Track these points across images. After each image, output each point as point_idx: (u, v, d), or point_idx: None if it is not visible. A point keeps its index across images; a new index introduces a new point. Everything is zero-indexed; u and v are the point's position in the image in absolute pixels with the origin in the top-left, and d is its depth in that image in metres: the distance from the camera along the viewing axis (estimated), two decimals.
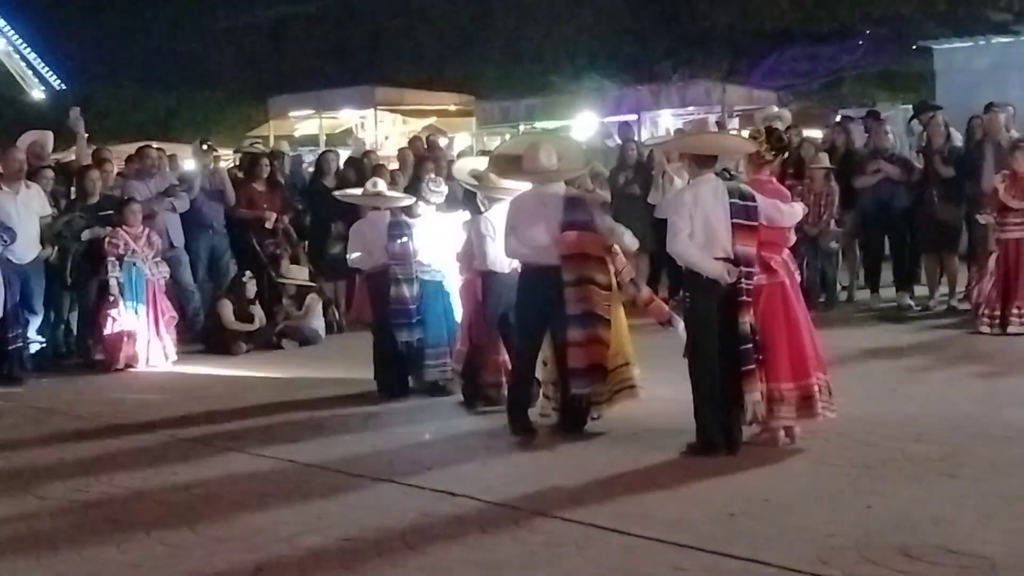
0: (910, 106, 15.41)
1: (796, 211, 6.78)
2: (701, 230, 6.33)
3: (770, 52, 25.80)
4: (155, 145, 12.53)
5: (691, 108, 19.97)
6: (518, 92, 24.84)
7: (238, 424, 7.79)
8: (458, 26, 33.10)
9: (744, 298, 6.34)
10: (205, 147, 12.01)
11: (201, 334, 11.08)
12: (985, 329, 9.89)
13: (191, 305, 11.23)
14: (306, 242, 12.34)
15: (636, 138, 14.53)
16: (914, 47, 19.56)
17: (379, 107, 23.54)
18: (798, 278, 7.08)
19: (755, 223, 6.37)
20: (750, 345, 6.33)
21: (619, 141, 13.82)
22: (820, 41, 25.78)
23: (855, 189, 11.61)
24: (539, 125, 21.26)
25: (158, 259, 10.31)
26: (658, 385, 7.27)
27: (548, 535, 5.23)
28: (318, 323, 11.36)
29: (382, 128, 23.55)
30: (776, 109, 14.20)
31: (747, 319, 6.33)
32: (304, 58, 35.41)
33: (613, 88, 22.83)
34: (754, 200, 6.39)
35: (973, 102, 12.18)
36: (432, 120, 23.06)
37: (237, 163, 13.88)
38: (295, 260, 11.74)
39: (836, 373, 6.93)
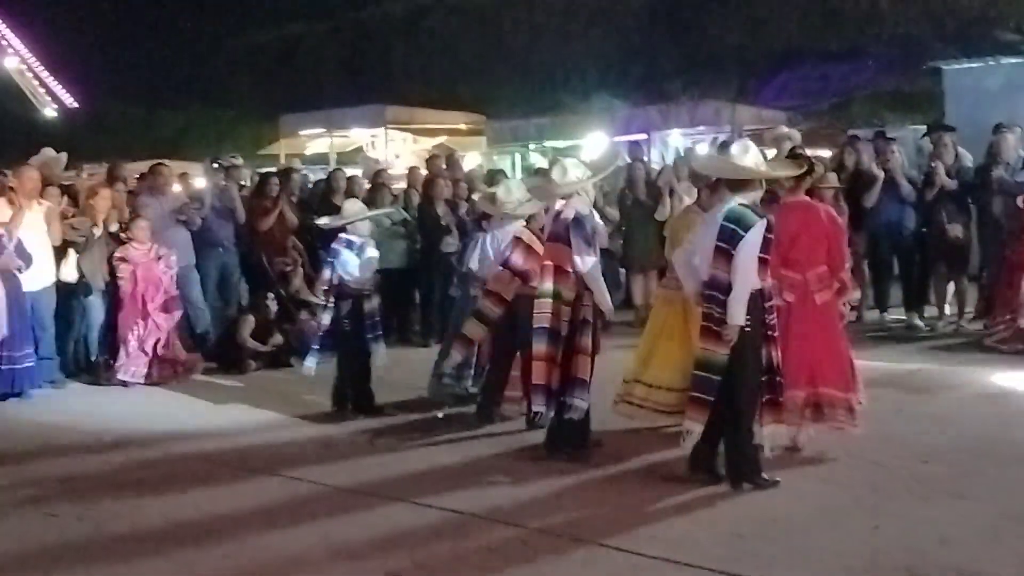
0: (921, 126, 15.38)
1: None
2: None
3: (780, 72, 25.76)
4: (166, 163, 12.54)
5: (701, 128, 20.00)
6: (528, 112, 24.87)
7: (246, 441, 7.81)
8: (469, 46, 33.18)
9: (710, 325, 6.04)
10: (216, 165, 12.05)
11: (212, 351, 11.08)
12: (1004, 334, 9.96)
13: (201, 323, 11.24)
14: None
15: (645, 158, 14.57)
16: (924, 67, 19.53)
17: (389, 126, 23.62)
18: (854, 295, 7.01)
19: (732, 250, 6.01)
20: (710, 376, 6.04)
21: (628, 160, 13.87)
22: (830, 61, 25.73)
23: (864, 209, 11.59)
24: (549, 145, 21.33)
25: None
26: None
27: (555, 554, 5.23)
28: None
29: (392, 147, 23.62)
30: (786, 129, 14.14)
31: (711, 348, 6.04)
32: (315, 77, 35.52)
33: (623, 108, 22.84)
34: (743, 228, 6.02)
35: (983, 122, 12.15)
36: (442, 139, 23.13)
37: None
38: (307, 278, 11.76)
39: None
